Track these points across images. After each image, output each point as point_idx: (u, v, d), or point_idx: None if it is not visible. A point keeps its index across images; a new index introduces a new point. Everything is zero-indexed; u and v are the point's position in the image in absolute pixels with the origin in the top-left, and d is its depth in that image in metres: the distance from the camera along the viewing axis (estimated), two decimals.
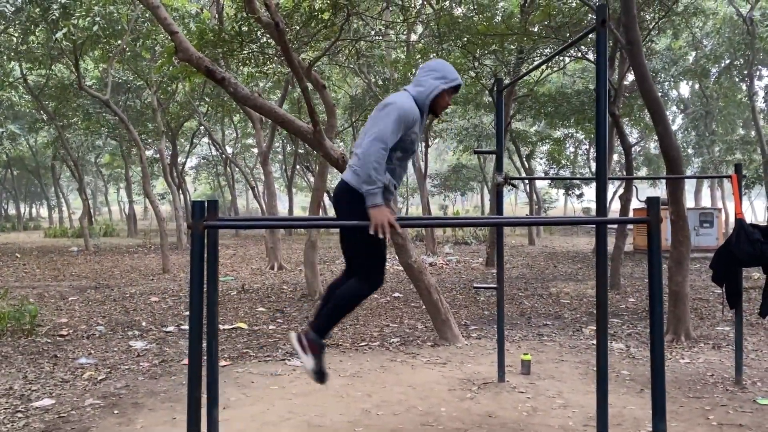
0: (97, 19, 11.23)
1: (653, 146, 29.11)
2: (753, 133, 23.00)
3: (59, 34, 11.77)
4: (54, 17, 11.50)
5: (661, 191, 36.58)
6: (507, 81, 12.14)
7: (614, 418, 4.36)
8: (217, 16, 11.45)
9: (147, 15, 13.05)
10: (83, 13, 11.43)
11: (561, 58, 14.14)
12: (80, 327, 7.90)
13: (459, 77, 3.37)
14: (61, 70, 17.85)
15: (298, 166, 29.45)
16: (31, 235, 30.11)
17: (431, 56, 13.50)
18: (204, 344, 2.96)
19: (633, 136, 24.88)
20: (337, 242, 24.22)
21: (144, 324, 8.15)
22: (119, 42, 13.96)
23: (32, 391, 5.17)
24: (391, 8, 12.08)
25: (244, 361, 6.24)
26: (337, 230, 3.54)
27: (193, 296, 2.75)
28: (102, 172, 39.47)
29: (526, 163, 24.46)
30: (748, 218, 36.69)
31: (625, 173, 14.54)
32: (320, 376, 3.32)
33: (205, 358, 3.23)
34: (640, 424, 4.37)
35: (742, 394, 5.08)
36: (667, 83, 20.62)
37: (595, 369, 3.70)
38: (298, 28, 8.95)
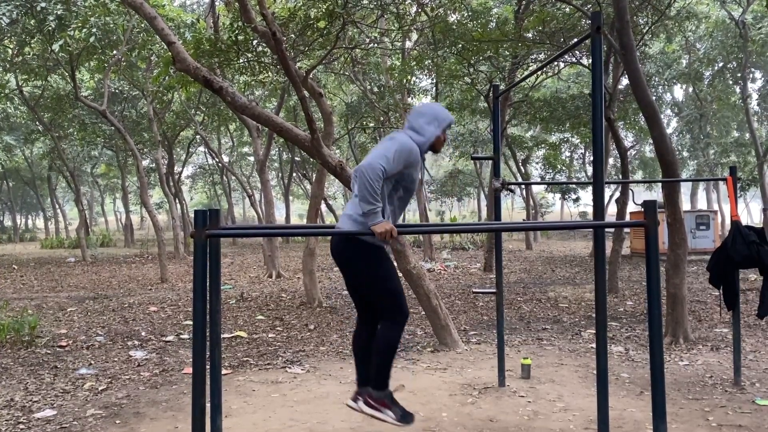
0: (94, 30, 11.24)
1: (648, 149, 29.22)
2: (747, 135, 23.12)
3: (56, 46, 11.78)
4: (50, 28, 11.49)
5: (657, 194, 36.71)
6: (502, 87, 12.20)
7: (615, 420, 4.39)
8: (213, 26, 11.48)
9: (143, 25, 13.09)
10: (79, 25, 11.45)
11: (556, 63, 14.23)
12: (80, 337, 7.89)
13: (450, 116, 3.56)
14: (56, 80, 17.85)
15: (294, 174, 29.47)
16: (27, 247, 30.05)
17: (426, 63, 13.58)
18: (207, 352, 2.98)
19: (628, 139, 24.98)
20: None
21: (143, 334, 8.15)
22: (115, 52, 13.99)
23: (33, 402, 5.17)
24: (386, 16, 12.14)
25: (245, 370, 6.24)
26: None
27: (197, 304, 2.77)
28: (98, 182, 39.37)
29: (522, 168, 24.53)
30: (744, 220, 36.77)
31: (620, 177, 14.60)
32: (407, 418, 3.43)
33: (208, 366, 3.25)
34: (640, 426, 4.39)
35: (741, 395, 5.11)
36: (661, 87, 20.74)
37: (594, 372, 3.73)
38: (294, 36, 9.00)
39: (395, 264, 3.49)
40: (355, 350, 3.62)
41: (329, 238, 3.74)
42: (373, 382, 3.44)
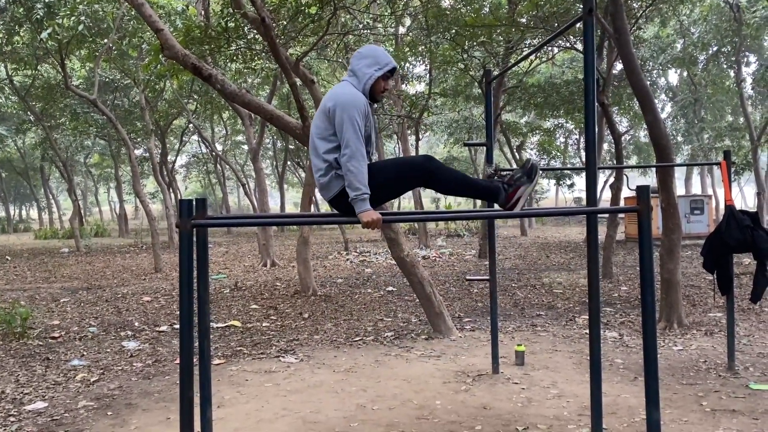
0: (83, 18, 11.11)
1: (643, 135, 29.16)
2: (741, 119, 23.09)
3: (44, 34, 11.65)
4: (38, 17, 11.35)
5: (651, 179, 36.75)
6: (496, 72, 12.13)
7: (608, 406, 4.38)
8: (203, 13, 11.35)
9: (133, 13, 12.94)
10: (68, 12, 11.31)
11: (549, 48, 14.14)
12: (72, 329, 7.85)
13: (392, 61, 3.35)
14: (47, 70, 17.69)
15: (288, 162, 29.35)
16: (21, 237, 29.92)
17: (419, 49, 13.48)
18: (196, 343, 2.94)
19: (622, 124, 24.91)
20: (329, 238, 24.18)
21: (137, 324, 8.11)
22: (105, 41, 13.83)
23: (24, 395, 5.14)
24: (378, 1, 12.03)
25: (238, 359, 6.22)
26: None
27: (183, 295, 2.73)
28: (91, 172, 39.20)
29: (516, 154, 24.47)
30: (738, 204, 36.92)
31: (615, 162, 14.57)
32: (533, 172, 3.28)
33: (198, 357, 3.21)
34: (634, 412, 4.38)
35: (735, 380, 5.11)
36: (655, 71, 20.65)
37: (588, 358, 3.71)
38: (284, 23, 8.89)
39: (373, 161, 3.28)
40: (466, 187, 3.38)
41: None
42: (487, 200, 3.35)
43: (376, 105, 3.43)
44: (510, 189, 3.30)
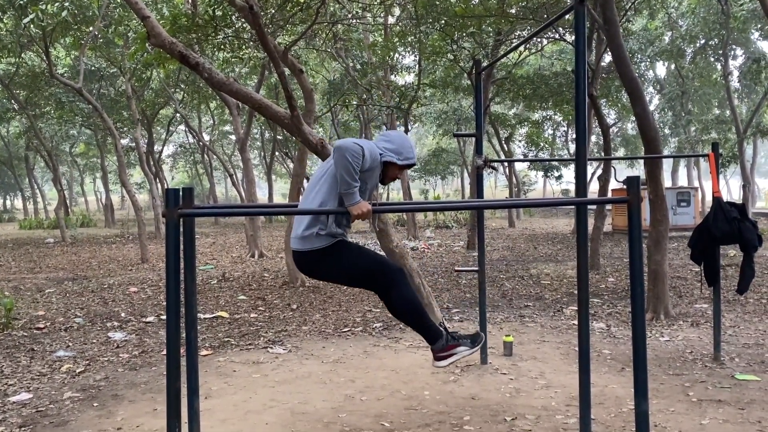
0: (66, 4, 10.94)
1: (630, 127, 29.33)
2: (728, 112, 23.25)
3: (26, 20, 11.46)
4: (21, 2, 11.18)
5: (639, 171, 36.97)
6: (485, 63, 12.10)
7: (596, 397, 4.39)
8: (190, 0, 11.22)
9: (118, 0, 12.77)
10: None
11: (539, 39, 14.13)
12: (58, 319, 7.77)
13: (414, 157, 3.42)
14: (31, 58, 17.43)
15: (277, 153, 29.19)
16: (5, 228, 29.60)
17: (409, 39, 13.41)
18: (183, 334, 2.91)
19: (610, 117, 25.03)
20: None
21: (123, 315, 8.05)
22: (91, 28, 13.65)
23: (9, 386, 5.08)
24: None
25: (226, 350, 6.19)
26: None
27: (170, 286, 2.69)
28: (77, 161, 38.79)
29: (505, 145, 24.51)
30: (724, 196, 37.15)
31: (603, 154, 14.62)
32: (477, 340, 3.46)
33: (185, 348, 3.18)
34: (621, 402, 4.40)
35: (721, 370, 5.15)
36: (643, 64, 20.73)
37: (576, 349, 3.72)
38: (273, 11, 8.81)
39: (358, 243, 3.43)
40: (397, 318, 3.57)
41: None
42: (428, 339, 3.43)
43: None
44: (451, 341, 3.41)
